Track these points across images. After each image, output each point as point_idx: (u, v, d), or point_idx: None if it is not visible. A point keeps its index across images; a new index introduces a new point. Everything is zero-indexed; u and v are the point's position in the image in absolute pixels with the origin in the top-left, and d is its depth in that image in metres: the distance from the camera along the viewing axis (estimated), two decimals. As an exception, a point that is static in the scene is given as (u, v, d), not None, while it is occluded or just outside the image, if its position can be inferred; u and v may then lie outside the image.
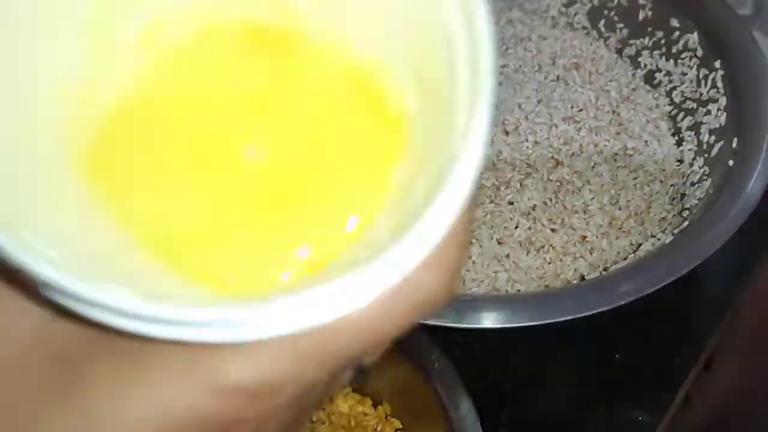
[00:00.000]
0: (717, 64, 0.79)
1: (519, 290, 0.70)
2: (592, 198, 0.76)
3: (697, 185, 0.75)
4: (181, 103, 0.26)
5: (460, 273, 0.23)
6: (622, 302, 0.62)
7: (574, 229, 0.74)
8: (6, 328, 0.23)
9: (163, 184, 0.25)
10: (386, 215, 0.25)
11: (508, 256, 0.72)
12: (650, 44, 0.86)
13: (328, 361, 0.22)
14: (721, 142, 0.75)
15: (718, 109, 0.77)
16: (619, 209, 0.76)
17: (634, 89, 0.85)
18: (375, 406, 0.66)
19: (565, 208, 0.75)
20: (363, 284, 0.21)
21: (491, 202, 0.75)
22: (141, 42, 0.26)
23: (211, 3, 0.27)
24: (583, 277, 0.71)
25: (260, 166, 0.26)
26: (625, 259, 0.71)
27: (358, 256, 0.24)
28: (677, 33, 0.84)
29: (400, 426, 0.65)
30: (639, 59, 0.86)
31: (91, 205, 0.24)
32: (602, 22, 0.89)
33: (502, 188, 0.76)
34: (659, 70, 0.85)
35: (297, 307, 0.20)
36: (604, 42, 0.89)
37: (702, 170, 0.76)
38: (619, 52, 0.88)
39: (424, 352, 0.62)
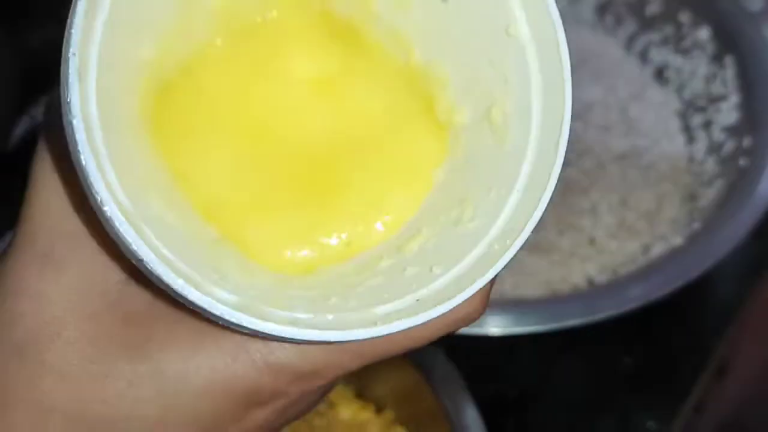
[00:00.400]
0: (728, 60, 0.78)
1: (525, 294, 0.69)
2: (601, 198, 0.75)
3: (708, 185, 0.74)
4: (241, 73, 0.28)
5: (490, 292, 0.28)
6: (632, 307, 0.62)
7: (581, 230, 0.73)
8: (94, 281, 0.25)
9: (215, 149, 0.27)
10: (420, 219, 0.28)
11: (513, 258, 0.70)
12: (659, 40, 0.85)
13: (369, 357, 0.27)
14: (733, 141, 0.74)
15: (730, 107, 0.76)
16: (629, 210, 0.74)
17: (643, 86, 0.84)
18: (378, 412, 0.65)
19: (573, 209, 0.74)
20: (421, 309, 0.25)
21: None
22: (220, 10, 0.27)
23: None
24: (591, 281, 0.70)
25: (309, 147, 0.28)
26: (635, 261, 0.70)
27: (387, 256, 0.27)
28: (687, 28, 0.83)
29: (404, 433, 0.64)
30: (648, 55, 0.85)
31: (153, 159, 0.26)
32: (610, 17, 0.88)
33: (508, 189, 0.75)
34: (669, 67, 0.84)
35: (378, 332, 0.25)
36: (612, 38, 0.88)
37: (713, 169, 0.75)
38: (628, 48, 0.87)
39: (428, 357, 0.62)
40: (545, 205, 0.26)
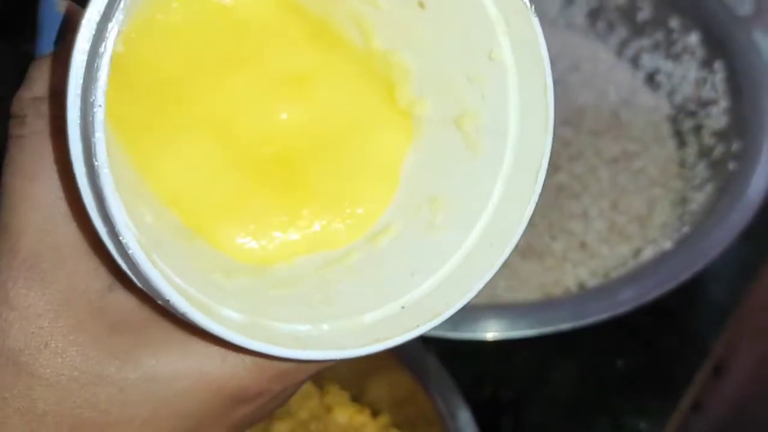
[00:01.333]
0: (717, 65, 0.79)
1: (518, 298, 0.69)
2: (592, 203, 0.75)
3: (699, 189, 0.74)
4: (211, 65, 0.27)
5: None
6: (623, 310, 0.62)
7: (573, 234, 0.73)
8: (79, 290, 0.26)
9: (182, 143, 0.27)
10: (390, 213, 0.28)
11: (506, 263, 0.70)
12: (650, 45, 0.85)
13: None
14: (723, 145, 0.75)
15: (719, 111, 0.77)
16: (620, 214, 0.75)
17: (634, 91, 0.84)
18: (374, 416, 0.66)
19: (565, 213, 0.75)
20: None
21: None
22: None
23: None
24: (582, 285, 0.70)
25: (279, 141, 0.28)
26: (626, 265, 0.70)
27: (358, 248, 0.28)
28: (677, 33, 0.83)
29: (399, 436, 0.65)
30: (639, 61, 0.86)
31: (122, 157, 0.26)
32: (601, 23, 0.88)
33: (500, 194, 0.75)
34: (660, 72, 0.84)
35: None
36: (603, 43, 0.88)
37: (704, 173, 0.75)
38: (619, 53, 0.87)
39: (423, 362, 0.62)
40: (526, 224, 0.27)
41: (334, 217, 0.28)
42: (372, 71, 0.29)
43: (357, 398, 0.66)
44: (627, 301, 0.63)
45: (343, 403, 0.66)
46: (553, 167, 0.77)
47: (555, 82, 0.90)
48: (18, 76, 0.28)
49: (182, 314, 0.24)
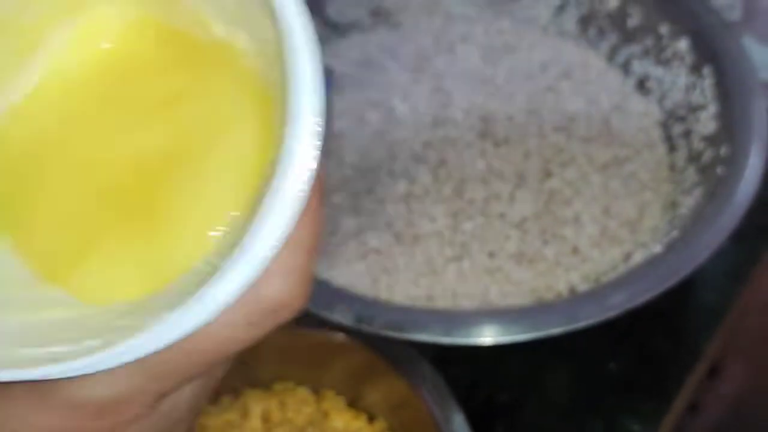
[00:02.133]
0: (706, 70, 0.80)
1: (511, 304, 0.70)
2: (584, 208, 0.76)
3: (688, 193, 0.75)
4: (81, 112, 0.27)
5: (310, 275, 0.24)
6: (615, 313, 0.63)
7: (566, 239, 0.74)
8: None
9: (27, 186, 0.26)
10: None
11: (499, 269, 0.72)
12: (640, 51, 0.86)
13: (173, 375, 0.24)
14: (711, 150, 0.75)
15: (708, 116, 0.77)
16: (611, 219, 0.75)
17: (625, 97, 0.85)
18: (370, 421, 0.66)
19: (557, 218, 0.75)
20: (199, 306, 0.22)
21: (481, 215, 0.75)
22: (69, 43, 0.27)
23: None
24: (573, 289, 0.71)
25: (140, 173, 0.26)
26: (616, 269, 0.71)
27: (205, 268, 0.24)
28: (667, 39, 0.84)
29: (395, 442, 0.65)
30: (629, 67, 0.86)
31: None
32: (592, 29, 0.89)
33: (492, 201, 0.76)
34: (650, 77, 0.85)
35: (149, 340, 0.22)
36: (594, 50, 0.89)
37: (693, 178, 0.76)
38: (610, 59, 0.88)
39: (417, 367, 0.63)
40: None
41: (182, 251, 0.25)
42: (232, 71, 0.26)
43: (353, 404, 0.67)
44: (618, 304, 0.63)
45: (339, 408, 0.66)
46: (546, 173, 0.78)
47: (548, 89, 0.91)
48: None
49: None
